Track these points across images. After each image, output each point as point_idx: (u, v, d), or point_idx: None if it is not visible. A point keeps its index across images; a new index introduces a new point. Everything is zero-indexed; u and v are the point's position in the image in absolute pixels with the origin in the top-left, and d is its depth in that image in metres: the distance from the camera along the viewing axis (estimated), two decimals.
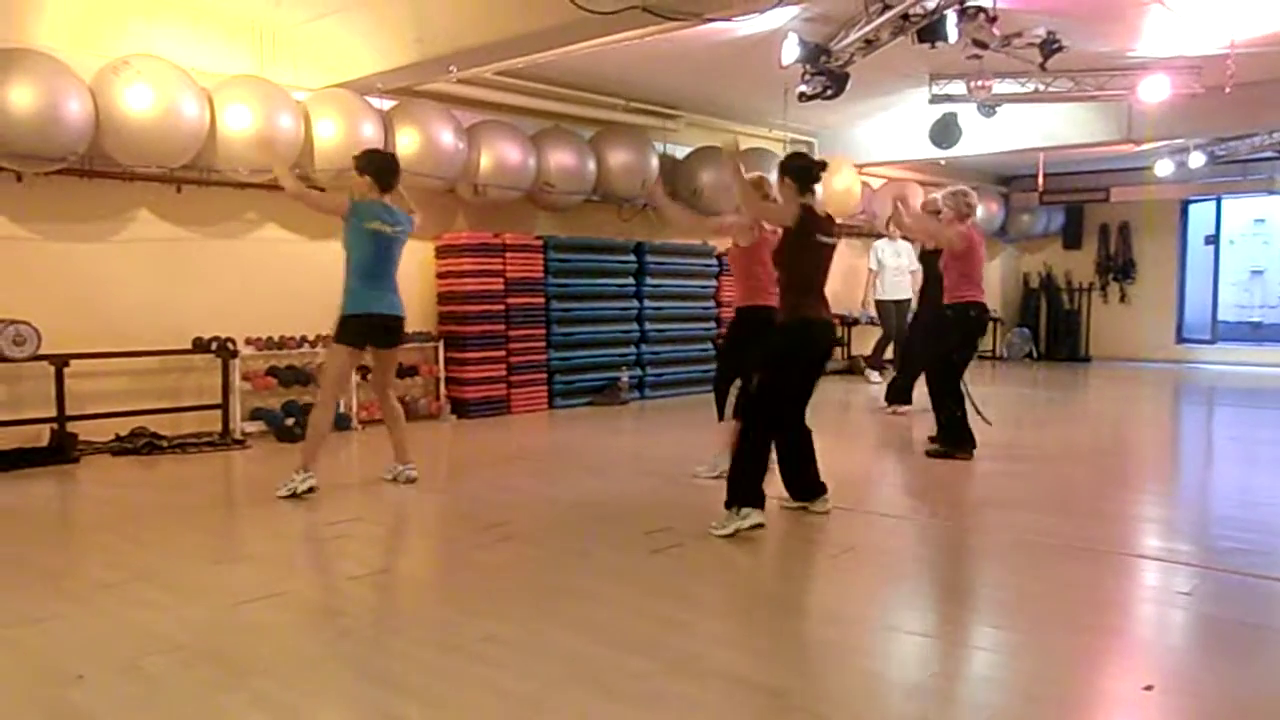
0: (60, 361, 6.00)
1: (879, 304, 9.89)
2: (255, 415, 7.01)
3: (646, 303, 9.19)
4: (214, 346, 6.67)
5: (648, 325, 9.21)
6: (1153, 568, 3.93)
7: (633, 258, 9.11)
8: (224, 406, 6.75)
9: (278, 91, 6.66)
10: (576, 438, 7.17)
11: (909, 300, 9.61)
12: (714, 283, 9.77)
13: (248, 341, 6.98)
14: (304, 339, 7.26)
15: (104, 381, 6.42)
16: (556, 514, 4.78)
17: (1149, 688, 2.65)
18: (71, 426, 6.13)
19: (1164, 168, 11.77)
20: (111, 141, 6.05)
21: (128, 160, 6.21)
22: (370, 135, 7.03)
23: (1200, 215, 14.11)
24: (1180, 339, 14.17)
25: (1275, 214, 14.40)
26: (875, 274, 9.76)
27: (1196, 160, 11.18)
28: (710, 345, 9.76)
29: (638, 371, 9.21)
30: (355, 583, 3.55)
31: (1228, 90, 7.18)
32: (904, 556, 4.12)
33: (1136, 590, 3.67)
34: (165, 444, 6.37)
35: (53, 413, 6.04)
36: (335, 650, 2.91)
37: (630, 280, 9.11)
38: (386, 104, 7.38)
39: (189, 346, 6.67)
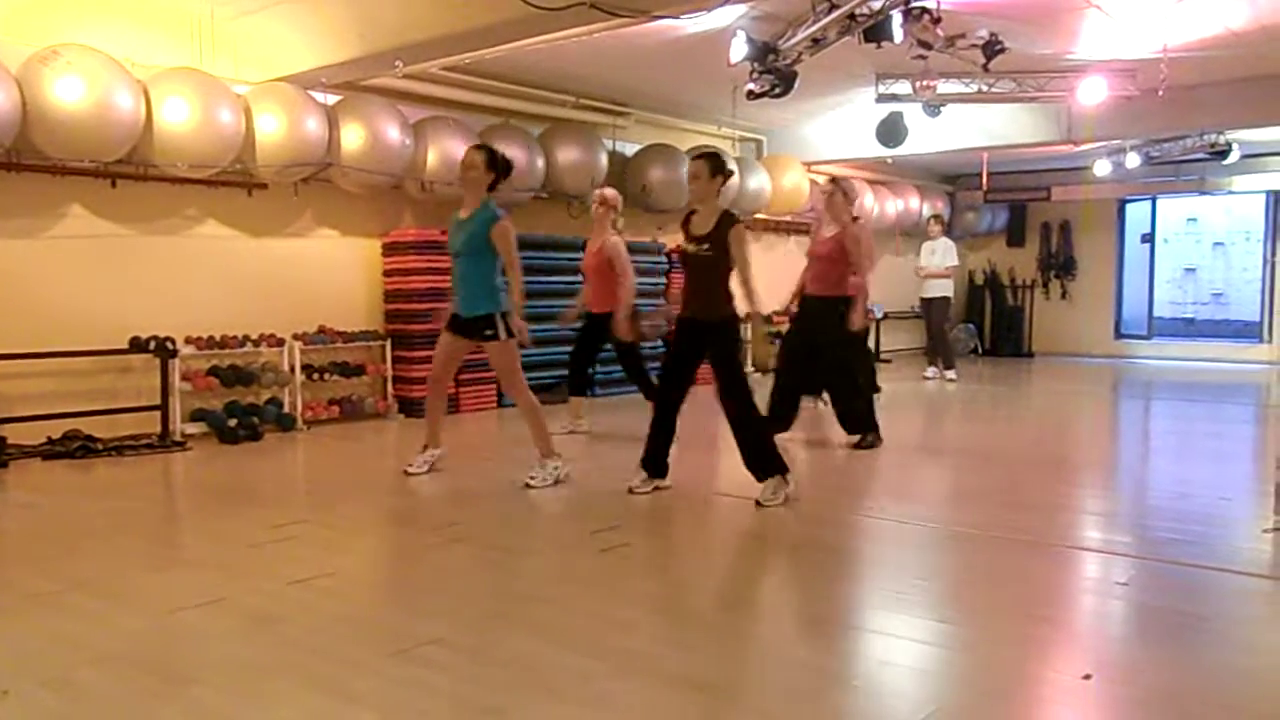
0: None
1: (920, 300, 11.29)
2: (196, 416, 6.83)
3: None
4: (152, 346, 6.49)
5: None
6: (1092, 559, 4.03)
7: (582, 255, 9.04)
8: (163, 408, 6.57)
9: (217, 84, 6.49)
10: (526, 436, 7.10)
11: (942, 298, 11.00)
12: (663, 280, 9.77)
13: (188, 340, 6.81)
14: (246, 338, 7.10)
15: (35, 383, 6.20)
16: (505, 514, 4.74)
17: (1088, 677, 2.71)
18: None
19: (1102, 168, 12.08)
20: (40, 134, 5.85)
21: (58, 154, 6.00)
22: (314, 130, 6.91)
23: (1137, 214, 14.51)
24: (1118, 334, 14.56)
25: (1207, 214, 14.88)
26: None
27: (1132, 161, 11.50)
28: (663, 342, 9.77)
29: (588, 369, 9.17)
30: (299, 587, 3.47)
31: (1161, 93, 7.38)
32: (849, 552, 4.16)
33: (1076, 581, 3.75)
34: (100, 447, 6.18)
35: None
36: (278, 657, 2.85)
37: (579, 277, 9.05)
38: (331, 98, 7.25)
39: (126, 346, 6.48)
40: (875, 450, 6.29)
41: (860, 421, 6.46)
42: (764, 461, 4.74)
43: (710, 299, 4.73)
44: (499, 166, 5.14)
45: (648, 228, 9.80)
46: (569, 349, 8.86)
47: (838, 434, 6.79)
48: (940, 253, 10.98)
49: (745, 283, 4.71)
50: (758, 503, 4.64)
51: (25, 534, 4.46)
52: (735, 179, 10.11)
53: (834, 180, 6.53)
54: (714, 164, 4.70)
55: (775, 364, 6.46)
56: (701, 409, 6.63)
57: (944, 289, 11.02)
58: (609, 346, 7.02)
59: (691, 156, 4.85)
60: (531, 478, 5.14)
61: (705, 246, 4.69)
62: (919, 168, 13.45)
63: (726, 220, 4.68)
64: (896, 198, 12.96)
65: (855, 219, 6.47)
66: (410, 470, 5.42)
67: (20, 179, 6.12)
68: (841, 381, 6.58)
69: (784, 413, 6.54)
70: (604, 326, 6.79)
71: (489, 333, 5.14)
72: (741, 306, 4.77)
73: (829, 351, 6.43)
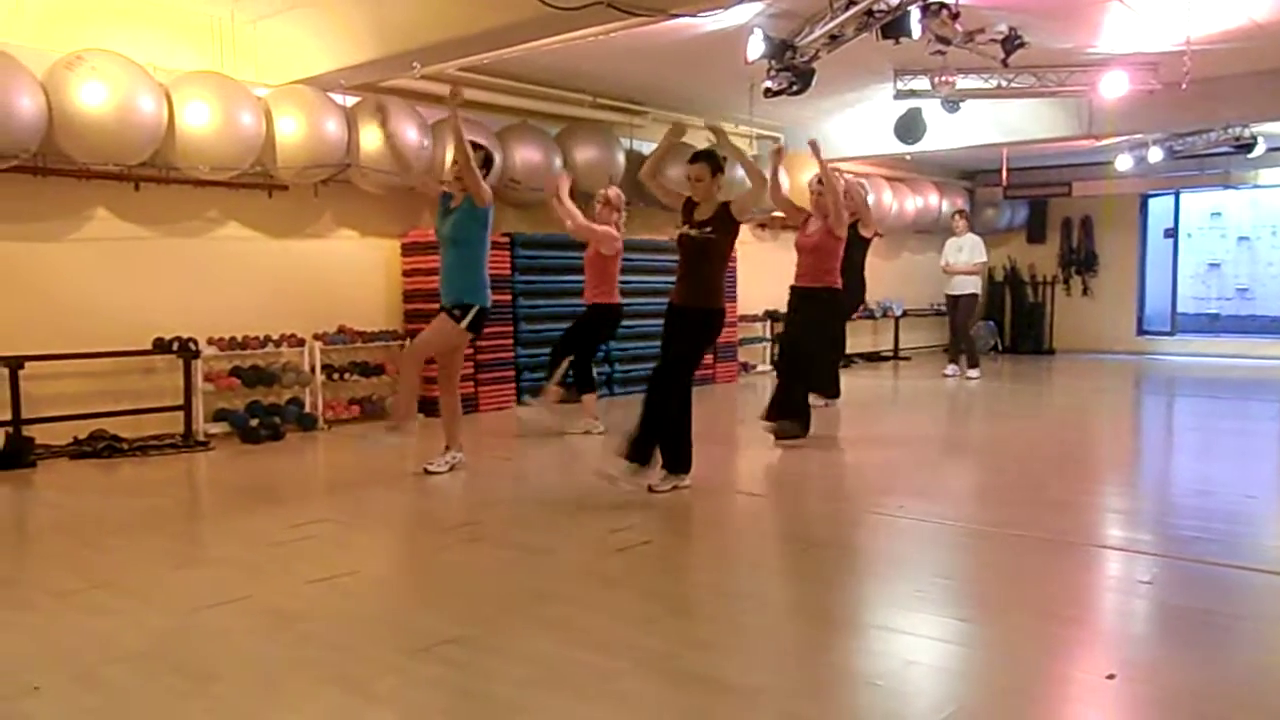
0: (15, 363, 5.86)
1: (946, 298, 11.20)
2: (219, 416, 6.89)
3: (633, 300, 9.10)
4: (175, 347, 6.56)
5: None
6: (1115, 557, 4.00)
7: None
8: (186, 408, 6.64)
9: (238, 87, 6.55)
10: (543, 435, 7.13)
11: (970, 295, 10.95)
12: None
13: (210, 341, 6.87)
14: (268, 339, 7.16)
15: (61, 384, 6.28)
16: (523, 513, 4.76)
17: (1111, 676, 2.69)
18: (27, 430, 5.99)
19: (1124, 162, 11.95)
20: (66, 139, 5.92)
21: (83, 158, 6.07)
22: (333, 132, 6.95)
23: (1159, 209, 14.35)
24: (1141, 331, 14.41)
25: (1231, 208, 14.69)
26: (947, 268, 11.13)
27: (1155, 155, 11.36)
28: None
29: (605, 368, 9.19)
30: (319, 586, 3.50)
31: (1184, 86, 7.29)
32: (869, 550, 4.15)
33: (1099, 580, 3.72)
34: (125, 447, 6.25)
35: (7, 416, 5.90)
36: (299, 655, 2.87)
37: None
38: (350, 100, 7.29)
39: (149, 347, 6.55)
40: (861, 449, 6.27)
41: (792, 409, 6.41)
42: (678, 457, 4.88)
43: (699, 287, 4.89)
44: (486, 163, 5.40)
45: (665, 226, 9.79)
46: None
47: (846, 432, 6.77)
48: (968, 249, 10.91)
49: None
50: (650, 488, 4.82)
51: (52, 532, 4.52)
52: None
53: (820, 181, 6.61)
54: (713, 164, 4.88)
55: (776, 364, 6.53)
56: (718, 405, 6.65)
57: (972, 286, 10.95)
58: (590, 333, 7.01)
59: (688, 160, 4.95)
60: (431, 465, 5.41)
61: (708, 229, 4.83)
62: (938, 164, 13.35)
63: (726, 204, 4.89)
64: (915, 195, 12.88)
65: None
66: (431, 469, 5.45)
67: (46, 183, 6.19)
68: (795, 366, 6.58)
69: (799, 415, 6.48)
70: (599, 319, 6.85)
71: (456, 312, 5.30)
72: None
73: (798, 335, 6.57)
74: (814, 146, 6.67)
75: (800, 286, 6.60)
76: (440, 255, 5.50)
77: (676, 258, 5.10)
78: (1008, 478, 5.53)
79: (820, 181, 6.63)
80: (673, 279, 5.06)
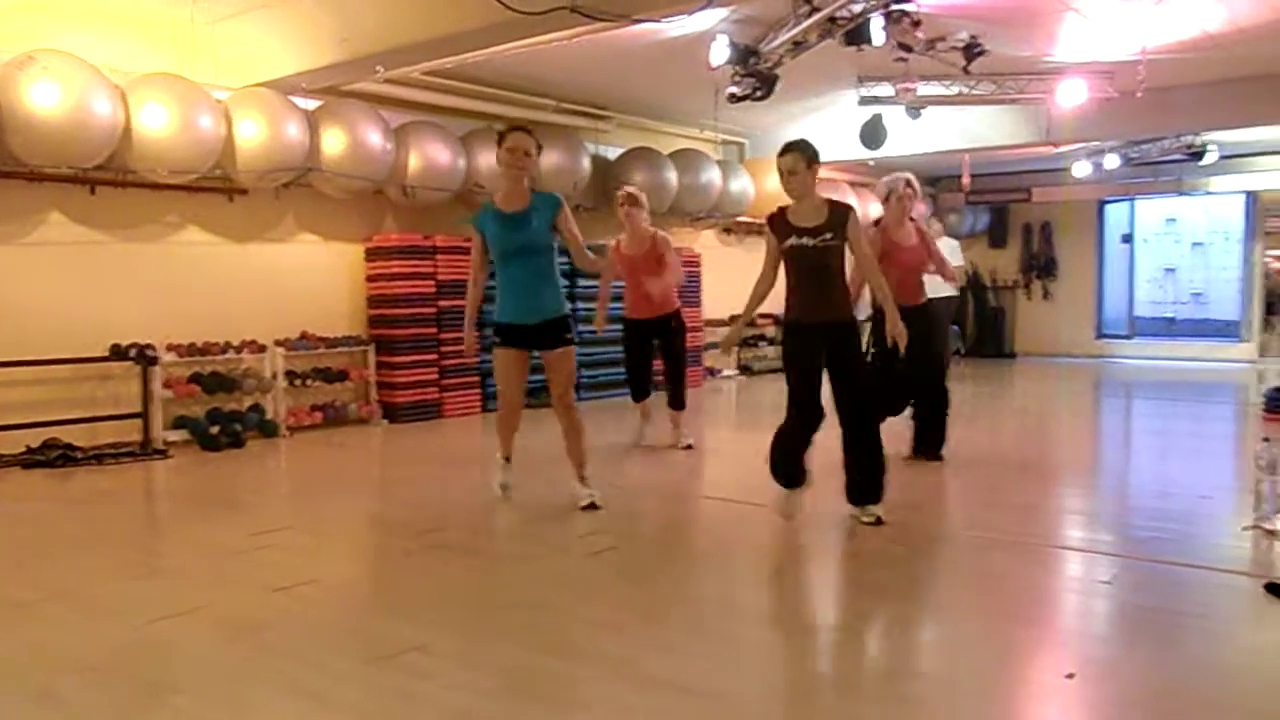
0: None
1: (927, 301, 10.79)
2: (178, 424, 6.78)
3: (579, 304, 9.13)
4: (133, 353, 6.44)
5: (581, 326, 9.13)
6: (1075, 558, 4.05)
7: (565, 259, 9.02)
8: (144, 415, 6.52)
9: (196, 90, 6.45)
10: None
11: (946, 298, 10.46)
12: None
13: (169, 348, 6.76)
14: (228, 345, 7.05)
15: (13, 391, 6.14)
16: (490, 519, 4.73)
17: (1071, 675, 2.72)
18: None
19: (1081, 169, 12.18)
20: (16, 141, 5.79)
21: (35, 160, 5.95)
22: (295, 135, 6.87)
23: (1116, 215, 14.65)
24: (1100, 334, 14.68)
25: (1186, 214, 15.03)
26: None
27: (1111, 162, 11.60)
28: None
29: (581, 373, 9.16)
30: (280, 594, 3.45)
31: (1139, 95, 7.45)
32: (835, 555, 4.17)
33: (1059, 580, 3.77)
34: (80, 455, 6.12)
35: None
36: (260, 665, 2.82)
37: (564, 281, 9.01)
38: (312, 104, 7.22)
39: (106, 354, 6.43)
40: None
41: (941, 438, 6.01)
42: (876, 489, 4.36)
43: (838, 296, 4.27)
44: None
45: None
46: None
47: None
48: (945, 252, 11.00)
49: (875, 275, 4.41)
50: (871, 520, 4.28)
51: (4, 543, 4.41)
52: (718, 181, 10.16)
53: (909, 182, 6.00)
54: (809, 153, 4.23)
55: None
56: (692, 412, 6.66)
57: (949, 288, 11.02)
58: (655, 343, 6.54)
59: (779, 152, 4.30)
60: (590, 498, 4.68)
61: (828, 236, 4.17)
62: (900, 170, 13.47)
63: (843, 208, 4.26)
64: (878, 200, 13.01)
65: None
66: (504, 487, 4.97)
67: None
68: (939, 394, 6.12)
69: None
70: (659, 327, 6.43)
71: (568, 336, 4.72)
72: (863, 308, 4.40)
73: (932, 362, 6.10)
74: None
75: (912, 305, 5.66)
76: (505, 271, 4.68)
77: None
78: (969, 480, 5.59)
79: (909, 182, 6.10)
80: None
